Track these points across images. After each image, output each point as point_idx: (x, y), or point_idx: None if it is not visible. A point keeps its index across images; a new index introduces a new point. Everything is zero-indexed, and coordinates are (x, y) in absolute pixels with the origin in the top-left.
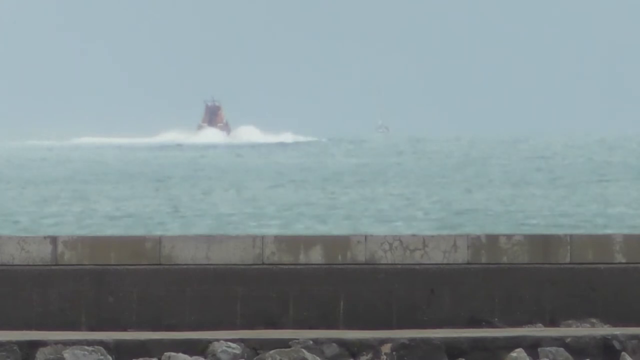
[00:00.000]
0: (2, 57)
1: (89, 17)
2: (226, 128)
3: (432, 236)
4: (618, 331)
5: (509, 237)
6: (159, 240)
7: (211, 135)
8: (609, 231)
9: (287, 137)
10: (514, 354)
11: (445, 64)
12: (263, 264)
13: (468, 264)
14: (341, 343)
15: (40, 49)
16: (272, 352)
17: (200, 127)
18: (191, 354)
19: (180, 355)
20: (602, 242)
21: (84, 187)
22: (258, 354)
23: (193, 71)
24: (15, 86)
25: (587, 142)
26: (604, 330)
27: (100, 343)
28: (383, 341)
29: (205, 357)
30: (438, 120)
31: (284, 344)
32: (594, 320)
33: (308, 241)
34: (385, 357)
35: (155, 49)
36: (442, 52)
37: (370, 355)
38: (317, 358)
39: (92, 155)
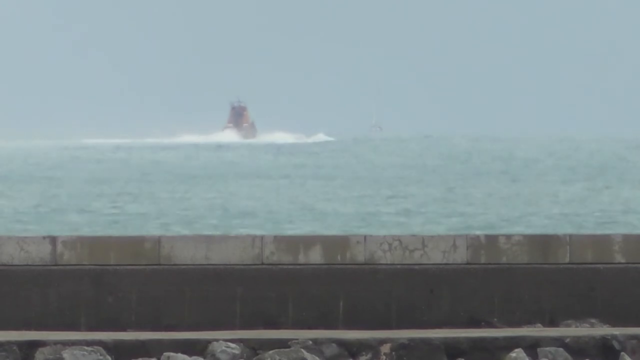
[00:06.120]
0: (7, 58)
1: (110, 19)
2: (252, 129)
3: (432, 236)
4: (617, 331)
5: (508, 237)
6: (158, 240)
7: (231, 137)
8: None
9: (288, 138)
10: (513, 354)
11: (444, 64)
12: (262, 264)
13: (467, 264)
14: (340, 343)
15: (39, 50)
16: (271, 352)
17: (225, 129)
18: (190, 354)
19: (180, 355)
20: (601, 242)
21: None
22: (257, 354)
23: (212, 73)
24: (26, 86)
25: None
26: (603, 330)
27: (100, 343)
28: (382, 341)
29: (204, 357)
30: (436, 119)
31: (283, 344)
32: (593, 321)
33: (307, 241)
34: (384, 357)
35: (184, 51)
36: (441, 52)
37: (369, 356)
38: (317, 358)
39: (152, 156)
